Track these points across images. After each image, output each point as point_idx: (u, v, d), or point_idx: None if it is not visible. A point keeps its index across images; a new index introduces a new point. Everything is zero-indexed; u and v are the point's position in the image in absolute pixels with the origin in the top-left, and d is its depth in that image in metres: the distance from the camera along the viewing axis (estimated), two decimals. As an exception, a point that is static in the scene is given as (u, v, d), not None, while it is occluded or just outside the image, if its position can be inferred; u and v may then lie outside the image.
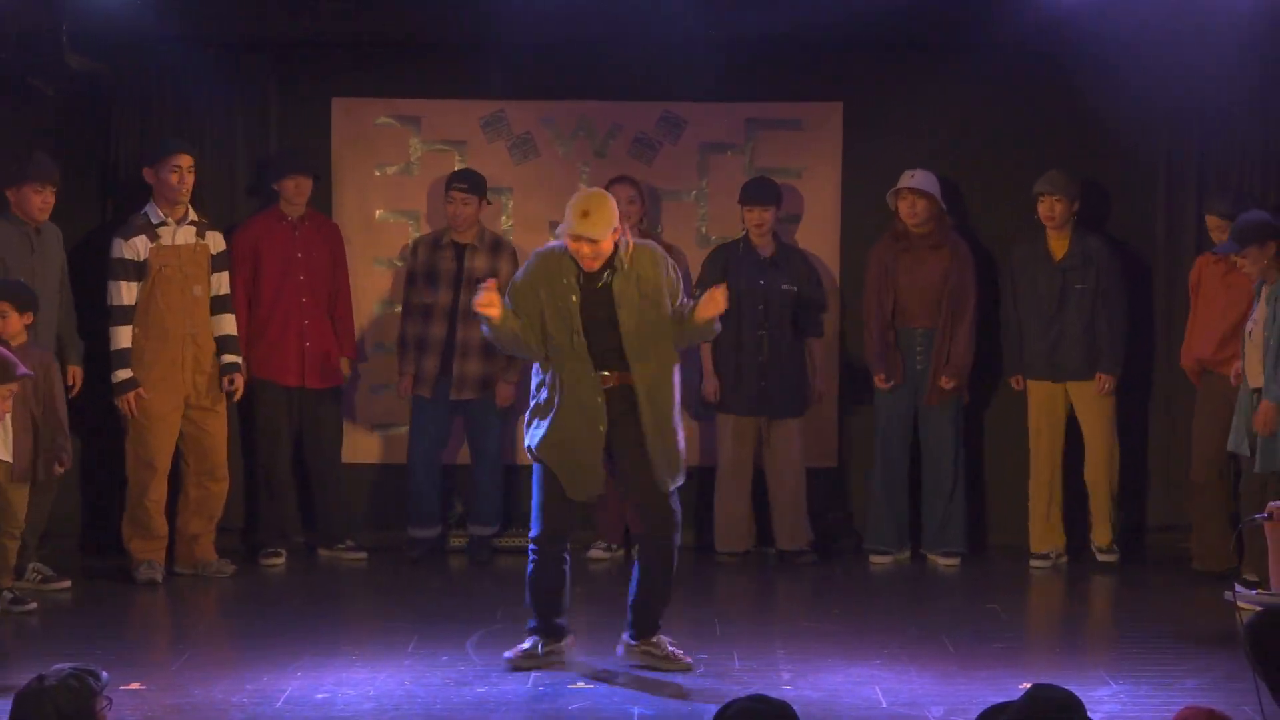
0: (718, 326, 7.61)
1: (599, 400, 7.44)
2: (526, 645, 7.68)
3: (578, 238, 7.36)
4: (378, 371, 10.39)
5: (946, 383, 9.91)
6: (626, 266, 7.45)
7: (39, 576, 9.11)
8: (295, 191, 9.95)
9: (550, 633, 7.70)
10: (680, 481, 7.61)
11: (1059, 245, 9.92)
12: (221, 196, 10.17)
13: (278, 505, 10.12)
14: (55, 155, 9.64)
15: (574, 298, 7.44)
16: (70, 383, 9.32)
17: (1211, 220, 9.55)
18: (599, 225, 7.33)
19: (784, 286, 9.96)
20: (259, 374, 9.96)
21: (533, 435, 7.57)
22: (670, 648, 7.65)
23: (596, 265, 7.42)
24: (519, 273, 7.69)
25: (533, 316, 7.47)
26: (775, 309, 9.95)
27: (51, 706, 4.65)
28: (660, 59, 10.05)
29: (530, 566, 7.64)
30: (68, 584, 9.20)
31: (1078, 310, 9.87)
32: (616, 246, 7.45)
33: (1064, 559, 9.97)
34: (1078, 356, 9.89)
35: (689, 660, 7.61)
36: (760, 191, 9.95)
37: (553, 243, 7.62)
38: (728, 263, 9.95)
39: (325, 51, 10.22)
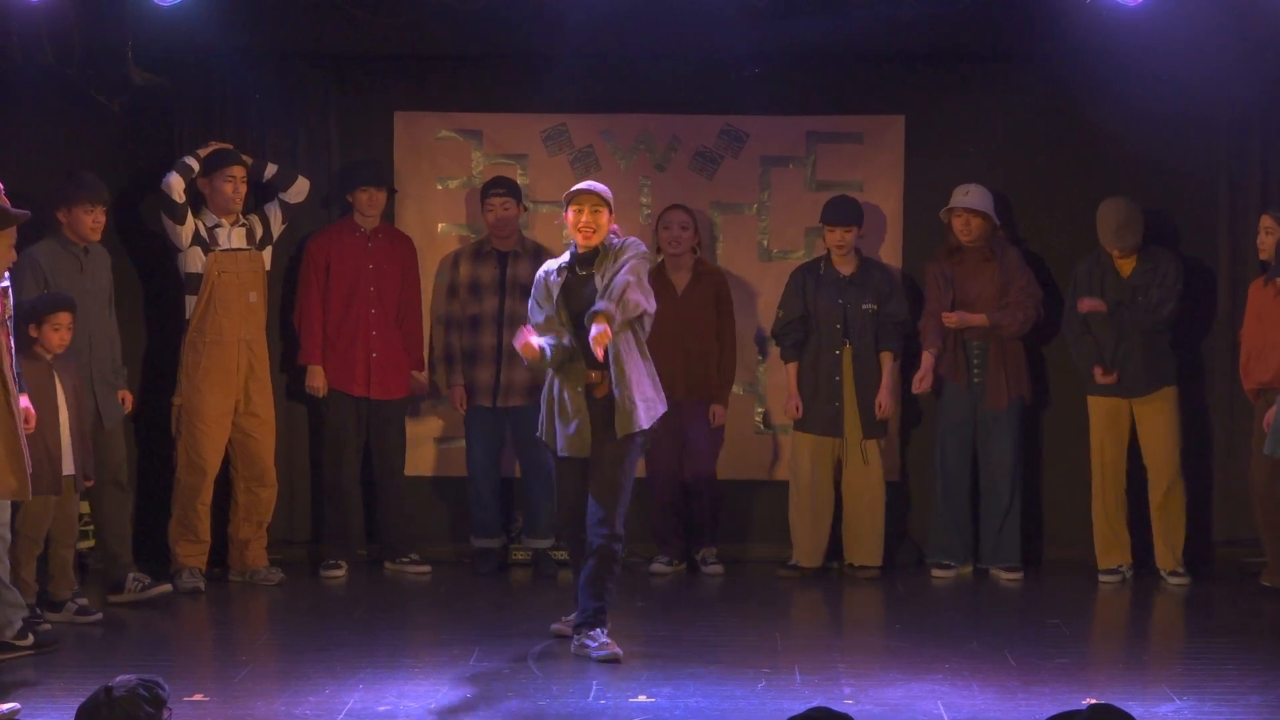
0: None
1: (581, 365, 7.99)
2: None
3: (575, 195, 7.97)
4: (435, 385, 10.40)
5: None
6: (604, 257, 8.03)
7: (140, 585, 9.17)
8: (368, 204, 10.02)
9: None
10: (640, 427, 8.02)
11: (1126, 263, 9.84)
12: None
13: (342, 517, 10.15)
14: (119, 170, 9.74)
15: (557, 291, 8.04)
16: (120, 400, 9.33)
17: (1266, 220, 9.45)
18: (596, 192, 7.96)
19: (864, 306, 9.92)
20: (329, 384, 10.04)
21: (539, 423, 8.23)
22: (601, 638, 8.00)
23: (595, 239, 7.97)
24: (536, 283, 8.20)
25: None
26: (855, 329, 9.91)
27: (124, 716, 4.66)
28: (721, 72, 10.07)
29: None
30: (169, 588, 9.31)
31: (1144, 327, 9.80)
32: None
33: (1131, 573, 9.91)
34: (1144, 374, 9.82)
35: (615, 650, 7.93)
36: (840, 212, 9.90)
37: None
38: (806, 282, 9.94)
39: (386, 65, 10.26)
